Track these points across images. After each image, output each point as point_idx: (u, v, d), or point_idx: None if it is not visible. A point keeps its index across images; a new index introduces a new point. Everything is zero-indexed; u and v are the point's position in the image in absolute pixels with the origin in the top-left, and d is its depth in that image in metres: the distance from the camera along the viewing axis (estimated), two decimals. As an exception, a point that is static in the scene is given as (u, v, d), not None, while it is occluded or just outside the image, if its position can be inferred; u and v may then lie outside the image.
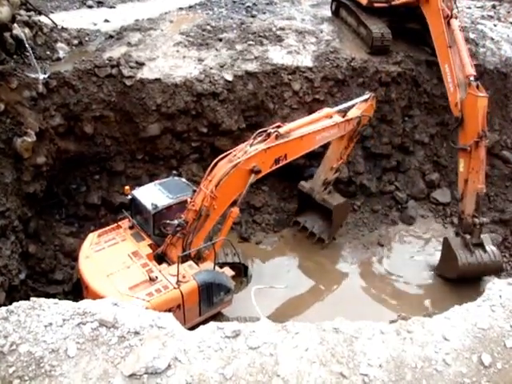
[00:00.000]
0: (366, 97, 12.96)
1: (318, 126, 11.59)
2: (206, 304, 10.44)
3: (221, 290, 10.58)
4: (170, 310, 9.26)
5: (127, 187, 11.60)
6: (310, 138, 11.41)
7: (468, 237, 12.73)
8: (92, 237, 11.29)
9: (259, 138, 10.60)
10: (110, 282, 9.86)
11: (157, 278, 10.01)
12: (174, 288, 9.83)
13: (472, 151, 12.00)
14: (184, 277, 10.03)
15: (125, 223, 11.66)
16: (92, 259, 10.56)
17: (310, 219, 14.86)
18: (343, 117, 12.42)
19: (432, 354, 6.20)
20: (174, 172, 12.38)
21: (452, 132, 12.54)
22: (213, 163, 10.29)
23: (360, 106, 12.89)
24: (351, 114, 12.68)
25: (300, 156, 11.85)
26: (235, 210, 10.65)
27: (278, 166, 10.96)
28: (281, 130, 10.69)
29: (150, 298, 9.50)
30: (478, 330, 6.50)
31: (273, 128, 10.78)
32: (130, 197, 11.43)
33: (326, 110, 12.24)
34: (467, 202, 12.54)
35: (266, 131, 10.69)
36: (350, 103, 12.94)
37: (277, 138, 10.58)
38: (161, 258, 10.91)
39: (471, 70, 11.96)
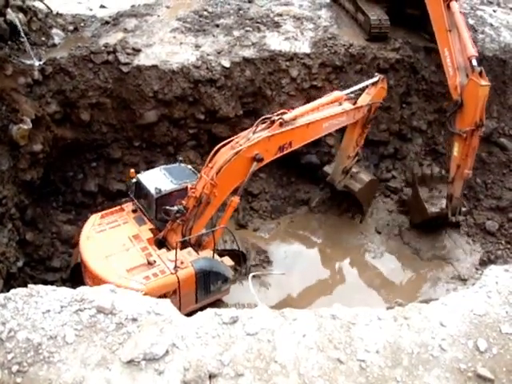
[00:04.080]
0: (375, 79, 12.50)
1: (325, 113, 11.20)
2: (203, 292, 10.49)
3: (218, 279, 10.62)
4: (165, 295, 9.32)
5: (132, 170, 11.65)
6: (317, 125, 11.03)
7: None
8: (94, 218, 11.34)
9: (263, 125, 10.31)
10: (109, 264, 9.91)
11: (155, 262, 10.08)
12: (171, 273, 9.88)
13: (467, 138, 11.92)
14: (182, 263, 10.08)
15: (128, 206, 11.72)
16: (93, 240, 10.62)
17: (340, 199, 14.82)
18: (353, 103, 12.06)
19: (428, 339, 6.25)
20: (180, 158, 12.30)
21: (449, 115, 12.44)
22: (214, 150, 10.11)
23: (370, 91, 12.46)
24: (361, 101, 12.29)
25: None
26: (235, 199, 10.50)
27: (282, 153, 10.64)
28: (285, 117, 10.33)
29: (147, 281, 9.56)
30: (474, 316, 6.54)
31: (277, 115, 10.43)
32: (134, 180, 11.47)
33: (335, 94, 11.84)
34: (456, 185, 12.75)
35: (269, 118, 10.37)
36: (360, 85, 12.55)
37: (281, 125, 10.23)
38: (161, 243, 10.96)
39: (473, 51, 11.57)
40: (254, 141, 9.94)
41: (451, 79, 12.19)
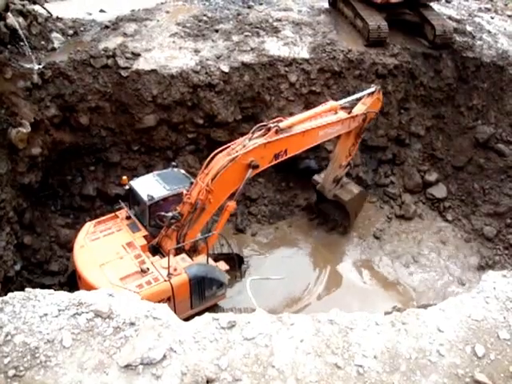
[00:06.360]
0: (371, 90, 12.56)
1: (321, 122, 11.26)
2: (198, 298, 10.43)
3: (213, 284, 10.56)
4: (159, 303, 9.27)
5: (125, 177, 11.58)
6: (313, 133, 11.09)
7: None
8: (88, 226, 11.28)
9: (259, 132, 10.32)
10: (102, 272, 9.84)
11: (148, 269, 9.98)
12: (165, 280, 9.82)
13: None
14: (175, 270, 10.01)
15: (122, 213, 11.65)
16: (86, 248, 10.55)
17: (328, 208, 14.77)
18: (348, 112, 12.11)
19: (426, 345, 6.24)
20: (173, 163, 12.25)
21: None
22: (210, 156, 10.10)
23: (365, 101, 12.49)
24: (356, 110, 12.30)
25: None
26: (232, 204, 10.52)
27: (277, 161, 10.70)
28: (281, 125, 10.40)
29: (140, 289, 9.47)
30: (472, 322, 6.54)
31: (273, 122, 10.50)
32: (127, 187, 11.40)
33: (330, 104, 11.86)
34: None
35: (266, 125, 10.41)
36: (355, 96, 12.59)
37: (277, 132, 10.29)
38: (156, 250, 10.88)
39: None
40: (249, 148, 9.97)
41: None
